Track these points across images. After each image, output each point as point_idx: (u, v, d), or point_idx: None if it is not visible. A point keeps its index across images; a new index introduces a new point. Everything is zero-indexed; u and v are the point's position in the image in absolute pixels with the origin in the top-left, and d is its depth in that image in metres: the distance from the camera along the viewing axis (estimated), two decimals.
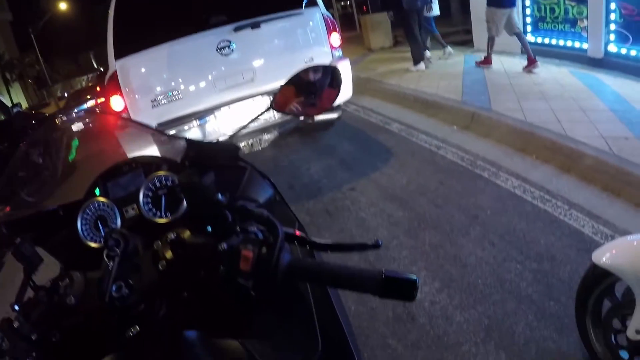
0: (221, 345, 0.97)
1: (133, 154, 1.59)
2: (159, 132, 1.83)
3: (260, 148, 4.97)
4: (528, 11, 8.55)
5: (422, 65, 8.88)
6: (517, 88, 6.46)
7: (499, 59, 8.31)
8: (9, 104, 9.74)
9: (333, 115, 5.45)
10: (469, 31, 10.31)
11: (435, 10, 9.44)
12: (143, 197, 1.31)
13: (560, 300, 2.70)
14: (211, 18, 4.79)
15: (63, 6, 31.83)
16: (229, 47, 4.68)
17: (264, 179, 1.46)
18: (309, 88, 1.47)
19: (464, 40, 10.17)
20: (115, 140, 2.01)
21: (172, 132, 4.70)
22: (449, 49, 9.57)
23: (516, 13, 7.76)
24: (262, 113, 1.43)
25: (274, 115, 4.81)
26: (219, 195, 1.01)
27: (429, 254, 3.35)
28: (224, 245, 0.94)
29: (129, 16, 4.70)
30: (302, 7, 4.98)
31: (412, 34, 8.74)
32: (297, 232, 1.09)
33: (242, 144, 4.83)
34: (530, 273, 2.95)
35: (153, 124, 4.61)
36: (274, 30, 4.91)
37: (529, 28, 8.59)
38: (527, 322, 2.60)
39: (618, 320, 2.13)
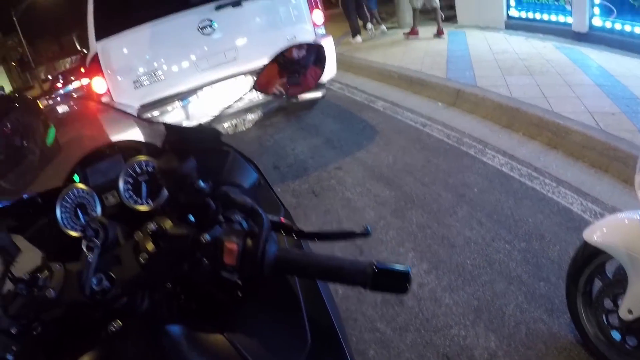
0: (206, 339, 0.93)
1: (113, 138, 1.53)
2: (138, 118, 1.77)
3: (244, 128, 4.90)
4: None
5: (358, 38, 10.13)
6: (501, 63, 6.39)
7: (483, 35, 8.25)
8: None
9: (317, 94, 5.37)
10: (452, 7, 10.22)
11: None
12: (123, 184, 1.25)
13: (550, 280, 2.67)
14: None
15: None
16: (210, 26, 4.61)
17: (247, 162, 1.39)
18: (292, 67, 1.40)
19: (448, 16, 10.05)
20: (94, 126, 1.96)
21: (155, 113, 4.66)
22: (384, 27, 10.74)
23: None
24: (244, 94, 1.37)
25: (257, 95, 4.74)
26: (201, 183, 0.95)
27: (416, 234, 3.30)
28: (206, 237, 0.89)
29: None
30: None
31: (347, 12, 10.09)
32: (283, 220, 1.03)
33: (225, 125, 4.77)
34: (519, 253, 2.92)
35: (136, 105, 4.56)
36: (255, 8, 4.82)
37: (512, 2, 8.47)
38: (517, 303, 2.57)
39: (609, 299, 2.10)
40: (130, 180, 1.26)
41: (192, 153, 1.00)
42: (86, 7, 4.60)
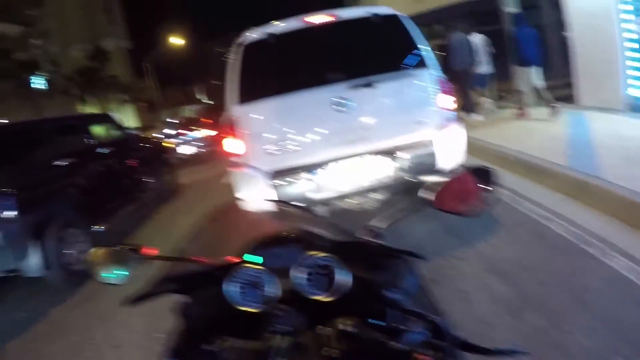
0: None
1: (286, 227, 1.68)
2: (312, 214, 1.96)
3: (368, 207, 5.06)
4: (632, 63, 8.17)
5: (476, 116, 10.66)
6: (625, 151, 6.22)
7: (603, 117, 8.09)
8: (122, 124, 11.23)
9: (441, 179, 5.48)
10: (568, 85, 10.08)
11: (485, 69, 11.22)
12: (301, 274, 1.28)
13: None
14: (329, 74, 5.01)
15: (175, 41, 34.55)
16: (344, 104, 4.88)
17: (411, 268, 1.57)
18: (468, 188, 1.64)
19: (564, 96, 9.90)
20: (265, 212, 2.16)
21: (282, 182, 4.94)
22: (490, 101, 12.00)
23: (534, 70, 9.30)
24: (419, 206, 1.60)
25: (385, 175, 4.98)
26: (388, 293, 1.12)
27: (530, 336, 3.33)
28: (397, 345, 1.03)
29: (254, 66, 5.07)
30: (416, 67, 5.13)
31: (462, 90, 10.31)
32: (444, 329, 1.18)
33: (350, 201, 5.00)
34: None
35: (266, 169, 4.93)
36: (387, 90, 5.04)
37: (634, 81, 8.21)
38: None
39: None
40: (308, 270, 1.29)
41: (380, 264, 1.21)
42: (218, 65, 5.11)
